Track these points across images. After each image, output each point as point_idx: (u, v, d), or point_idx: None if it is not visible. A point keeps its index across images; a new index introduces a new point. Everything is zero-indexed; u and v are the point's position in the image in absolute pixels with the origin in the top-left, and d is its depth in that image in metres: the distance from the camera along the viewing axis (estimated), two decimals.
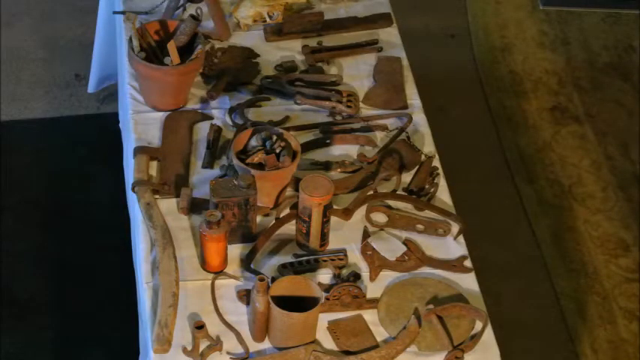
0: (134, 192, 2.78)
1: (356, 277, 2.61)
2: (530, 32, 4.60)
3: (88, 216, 3.69)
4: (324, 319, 2.52)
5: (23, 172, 3.81)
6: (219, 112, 3.02)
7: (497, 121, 4.21)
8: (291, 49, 3.22)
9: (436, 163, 2.91)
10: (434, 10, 4.67)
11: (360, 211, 2.75)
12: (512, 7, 4.71)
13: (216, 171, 2.85)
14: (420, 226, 2.75)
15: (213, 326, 2.49)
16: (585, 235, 3.83)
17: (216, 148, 2.90)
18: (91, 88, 4.02)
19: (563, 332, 3.55)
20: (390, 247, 2.71)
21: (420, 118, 3.04)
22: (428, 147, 2.97)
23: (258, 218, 2.71)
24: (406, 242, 2.72)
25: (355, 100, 3.04)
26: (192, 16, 2.96)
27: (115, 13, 3.40)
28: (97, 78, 3.96)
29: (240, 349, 2.46)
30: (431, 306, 2.56)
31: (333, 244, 2.70)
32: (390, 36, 3.30)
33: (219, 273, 2.60)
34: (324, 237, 2.65)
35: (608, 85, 4.41)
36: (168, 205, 2.76)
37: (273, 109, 3.03)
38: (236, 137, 2.76)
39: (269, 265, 2.64)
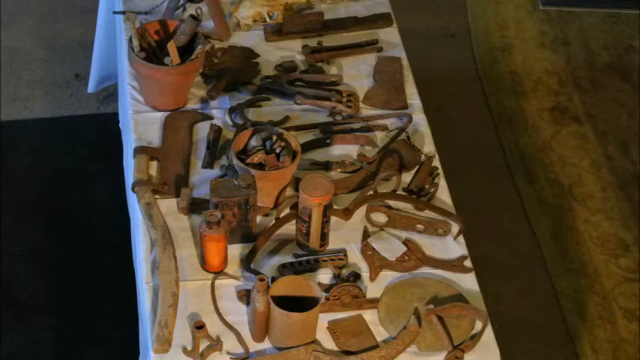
0: (134, 192, 2.78)
1: (356, 277, 2.61)
2: (530, 32, 4.60)
3: (88, 216, 3.69)
4: (324, 319, 2.52)
5: (23, 172, 3.81)
6: (219, 112, 3.02)
7: (497, 121, 4.21)
8: (291, 49, 3.22)
9: (436, 163, 2.91)
10: (434, 10, 4.67)
11: (360, 211, 2.75)
12: (512, 7, 4.71)
13: (216, 171, 2.85)
14: (420, 226, 2.75)
15: (213, 326, 2.49)
16: (585, 235, 3.83)
17: (216, 148, 2.90)
18: (91, 88, 4.02)
19: (563, 332, 3.55)
20: (390, 247, 2.71)
21: (419, 118, 3.04)
22: (428, 147, 2.97)
23: (258, 218, 2.71)
24: (406, 242, 2.72)
25: (355, 100, 3.04)
26: (192, 16, 2.96)
27: (115, 13, 3.39)
28: (97, 78, 3.96)
29: (240, 349, 2.46)
30: (431, 306, 2.56)
31: (333, 244, 2.70)
32: (390, 36, 3.30)
33: (219, 273, 2.60)
34: (324, 237, 2.65)
35: (608, 85, 4.41)
36: (168, 205, 2.76)
37: (273, 109, 3.03)
38: (236, 137, 2.76)
39: (269, 265, 2.64)
